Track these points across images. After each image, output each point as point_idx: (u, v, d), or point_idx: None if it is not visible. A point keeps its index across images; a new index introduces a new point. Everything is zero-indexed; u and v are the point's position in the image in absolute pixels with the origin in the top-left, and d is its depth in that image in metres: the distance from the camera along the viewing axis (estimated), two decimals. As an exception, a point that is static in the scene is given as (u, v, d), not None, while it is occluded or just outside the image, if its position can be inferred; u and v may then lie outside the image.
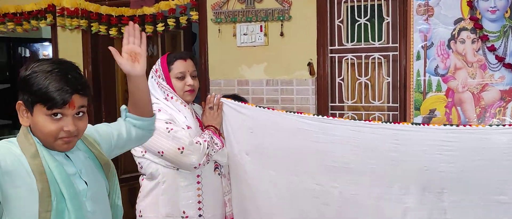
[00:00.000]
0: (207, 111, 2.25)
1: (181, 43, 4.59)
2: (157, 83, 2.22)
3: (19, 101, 1.41)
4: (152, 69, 2.27)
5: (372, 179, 2.03)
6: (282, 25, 3.30)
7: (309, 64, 3.24)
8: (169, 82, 2.20)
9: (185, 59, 2.25)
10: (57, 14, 3.79)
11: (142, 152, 2.17)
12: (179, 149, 2.05)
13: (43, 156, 1.39)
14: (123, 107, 1.74)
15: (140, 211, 2.25)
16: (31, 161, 1.37)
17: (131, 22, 1.67)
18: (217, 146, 2.17)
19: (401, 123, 2.00)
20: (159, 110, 2.14)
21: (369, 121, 2.06)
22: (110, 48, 1.62)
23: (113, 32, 3.73)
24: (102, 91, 3.97)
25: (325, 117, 2.14)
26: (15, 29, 3.97)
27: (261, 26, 3.36)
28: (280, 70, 3.35)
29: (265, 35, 3.35)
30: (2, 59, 6.82)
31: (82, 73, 1.47)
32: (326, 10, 3.18)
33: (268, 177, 2.25)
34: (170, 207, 2.17)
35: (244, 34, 3.41)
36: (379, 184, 2.02)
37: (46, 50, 7.09)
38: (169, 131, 2.08)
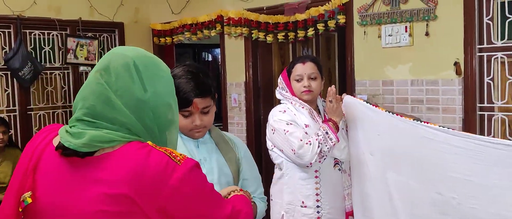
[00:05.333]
0: (327, 104, 2.42)
1: (335, 45, 4.79)
2: (280, 93, 2.57)
3: None
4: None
5: (492, 195, 1.97)
6: (427, 25, 3.28)
7: (456, 64, 3.16)
8: (288, 85, 2.50)
9: (304, 63, 2.49)
10: (224, 24, 4.35)
11: (272, 146, 2.49)
12: (292, 150, 2.32)
13: (179, 145, 1.73)
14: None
15: (271, 195, 2.58)
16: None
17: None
18: (331, 141, 2.31)
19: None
20: (284, 111, 2.45)
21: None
22: None
23: (269, 38, 4.12)
24: (261, 91, 4.41)
25: (450, 129, 2.13)
26: (191, 38, 4.66)
27: (406, 27, 3.39)
28: (426, 70, 3.34)
29: (410, 35, 3.37)
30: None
31: (209, 76, 1.72)
32: (474, 8, 3.07)
33: (392, 179, 2.32)
34: (291, 196, 2.45)
35: (389, 35, 3.48)
36: (499, 201, 1.95)
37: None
38: (285, 133, 2.36)
